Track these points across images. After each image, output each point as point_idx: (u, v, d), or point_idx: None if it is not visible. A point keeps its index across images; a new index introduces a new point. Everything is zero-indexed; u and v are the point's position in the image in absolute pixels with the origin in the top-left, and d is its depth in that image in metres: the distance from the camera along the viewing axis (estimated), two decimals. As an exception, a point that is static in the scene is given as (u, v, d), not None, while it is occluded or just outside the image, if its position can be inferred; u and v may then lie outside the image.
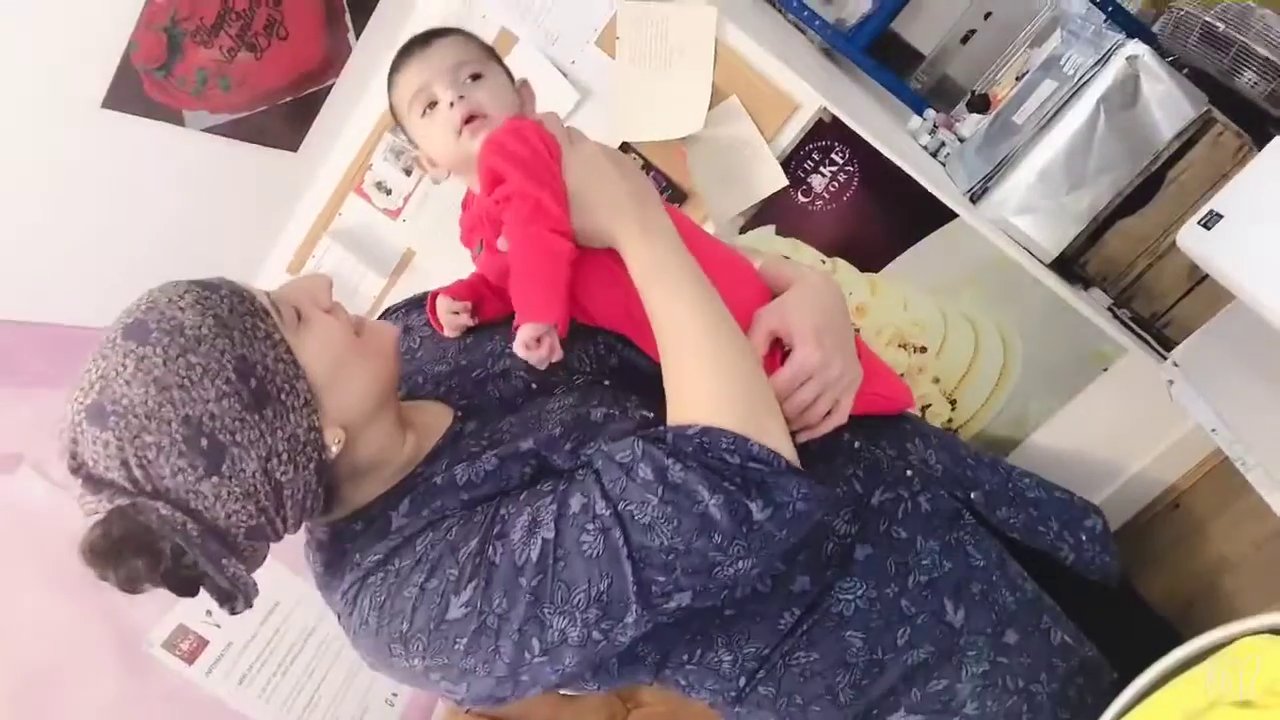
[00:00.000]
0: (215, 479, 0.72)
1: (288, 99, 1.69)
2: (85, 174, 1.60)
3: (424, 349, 0.98)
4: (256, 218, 1.86)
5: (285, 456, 0.75)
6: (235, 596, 0.74)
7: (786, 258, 1.47)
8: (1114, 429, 1.76)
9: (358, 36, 1.68)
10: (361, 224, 1.86)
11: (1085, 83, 1.68)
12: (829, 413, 0.91)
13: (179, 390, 0.71)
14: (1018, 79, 2.03)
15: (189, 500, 0.72)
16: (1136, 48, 1.65)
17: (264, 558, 0.80)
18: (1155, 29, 2.04)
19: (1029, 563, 1.00)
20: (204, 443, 0.72)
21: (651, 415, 0.85)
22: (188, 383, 0.72)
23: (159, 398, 0.71)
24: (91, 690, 1.42)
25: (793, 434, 0.85)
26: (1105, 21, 2.06)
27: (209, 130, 1.64)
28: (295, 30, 1.60)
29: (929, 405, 1.80)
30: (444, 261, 1.86)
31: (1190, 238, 1.05)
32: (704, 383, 0.80)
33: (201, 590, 0.75)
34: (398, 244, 1.87)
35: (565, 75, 1.66)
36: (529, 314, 0.85)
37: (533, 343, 0.84)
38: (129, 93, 1.52)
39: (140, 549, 0.70)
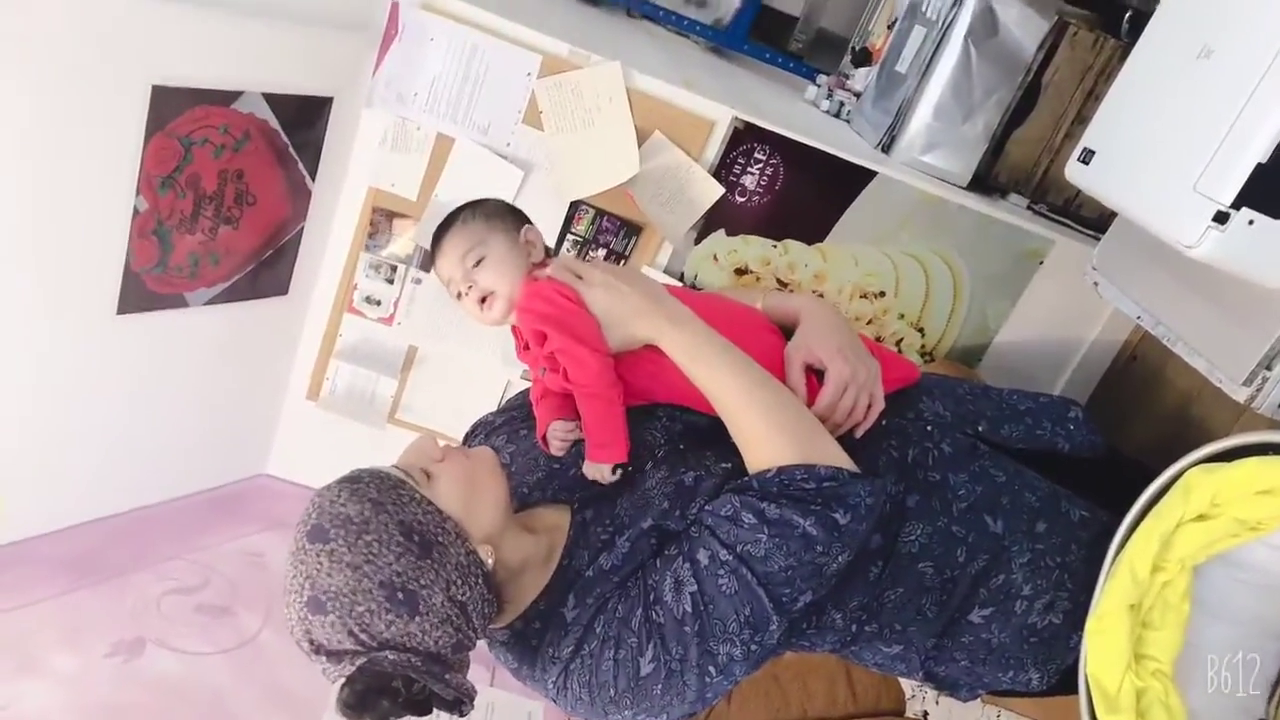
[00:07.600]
0: (418, 618, 0.92)
1: (269, 252, 1.85)
2: (116, 374, 1.76)
3: (515, 464, 1.16)
4: (269, 361, 2.03)
5: (459, 581, 0.95)
6: (461, 701, 0.94)
7: (782, 286, 1.83)
8: (1063, 309, 1.99)
9: (314, 178, 1.84)
10: (362, 338, 2.03)
11: (950, 24, 1.89)
12: (869, 406, 1.13)
13: (367, 565, 0.90)
14: (889, 28, 2.24)
15: (405, 641, 0.92)
16: (981, -19, 1.85)
17: (468, 665, 0.99)
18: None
19: (1037, 462, 1.22)
20: (400, 595, 0.91)
21: (730, 465, 1.05)
22: (371, 556, 0.91)
23: (355, 575, 0.90)
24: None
25: (849, 432, 1.10)
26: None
27: (210, 302, 1.80)
28: (261, 193, 1.76)
29: (902, 339, 2.02)
30: (445, 347, 2.04)
31: (1074, 171, 1.28)
32: (765, 432, 1.01)
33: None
34: (399, 346, 2.04)
35: (505, 158, 1.83)
36: (602, 456, 1.08)
37: (607, 474, 1.08)
38: (136, 294, 1.68)
39: (382, 692, 0.90)
